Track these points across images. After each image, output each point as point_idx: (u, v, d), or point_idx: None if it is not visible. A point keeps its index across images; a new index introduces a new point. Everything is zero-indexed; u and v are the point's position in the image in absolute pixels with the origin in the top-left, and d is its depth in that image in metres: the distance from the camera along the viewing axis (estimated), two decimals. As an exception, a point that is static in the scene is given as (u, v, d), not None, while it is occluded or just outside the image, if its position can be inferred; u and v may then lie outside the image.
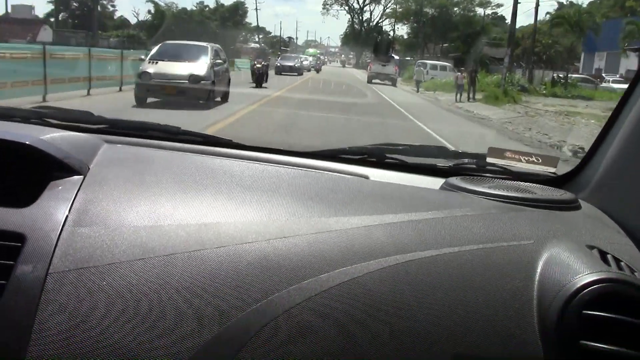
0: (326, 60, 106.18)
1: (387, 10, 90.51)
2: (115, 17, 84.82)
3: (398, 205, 1.31)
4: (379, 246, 1.14)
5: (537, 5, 39.98)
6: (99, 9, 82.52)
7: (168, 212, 1.18)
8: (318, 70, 53.93)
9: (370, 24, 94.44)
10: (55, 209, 1.15)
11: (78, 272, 1.04)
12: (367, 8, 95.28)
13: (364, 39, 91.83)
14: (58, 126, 1.68)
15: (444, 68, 46.21)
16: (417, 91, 34.33)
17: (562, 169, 1.70)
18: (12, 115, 1.76)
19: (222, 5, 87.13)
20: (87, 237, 1.09)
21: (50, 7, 78.50)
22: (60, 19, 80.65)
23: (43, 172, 1.26)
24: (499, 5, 58.67)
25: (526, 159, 1.70)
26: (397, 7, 69.36)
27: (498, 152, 1.71)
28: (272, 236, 1.14)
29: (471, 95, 27.72)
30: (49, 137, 1.35)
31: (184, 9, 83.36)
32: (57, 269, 1.04)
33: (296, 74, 40.63)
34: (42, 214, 1.13)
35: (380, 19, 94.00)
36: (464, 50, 53.80)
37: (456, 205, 1.35)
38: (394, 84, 38.47)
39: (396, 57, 42.73)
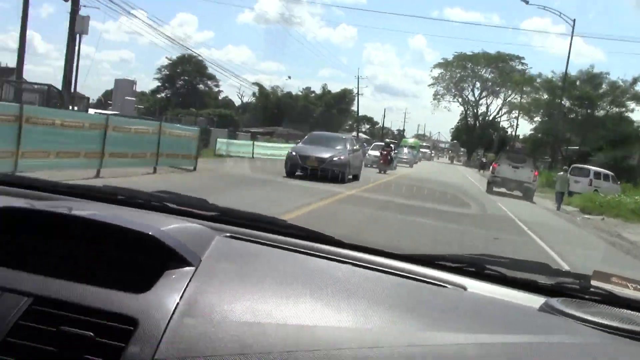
0: (433, 155, 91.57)
1: (508, 104, 75.26)
2: (220, 98, 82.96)
3: (494, 324, 1.28)
4: None
5: None
6: (202, 87, 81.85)
7: (268, 311, 1.19)
8: (412, 164, 47.14)
9: (487, 118, 79.11)
10: (167, 298, 1.20)
11: None
12: (482, 101, 79.95)
13: (477, 135, 77.01)
14: (176, 211, 1.83)
15: (606, 178, 30.42)
16: (559, 209, 23.76)
17: None
18: (135, 198, 1.91)
19: (329, 92, 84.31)
20: (192, 327, 1.13)
21: (157, 83, 79.93)
22: (164, 95, 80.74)
23: (160, 260, 1.33)
24: None
25: (634, 285, 1.57)
26: (523, 99, 53.39)
27: (603, 276, 1.60)
28: (365, 345, 1.11)
29: None
30: (169, 229, 1.44)
31: (289, 93, 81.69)
32: (162, 355, 1.08)
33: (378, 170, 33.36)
34: (155, 301, 1.19)
35: (497, 113, 78.57)
36: (616, 156, 43.22)
37: (555, 330, 1.27)
38: (529, 198, 26.53)
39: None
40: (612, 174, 33.70)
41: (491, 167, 28.36)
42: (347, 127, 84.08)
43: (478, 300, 1.45)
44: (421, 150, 79.29)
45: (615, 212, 21.01)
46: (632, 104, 49.80)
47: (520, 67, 77.22)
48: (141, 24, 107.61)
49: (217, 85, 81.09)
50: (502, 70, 77.47)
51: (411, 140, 78.06)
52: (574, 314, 1.34)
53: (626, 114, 50.17)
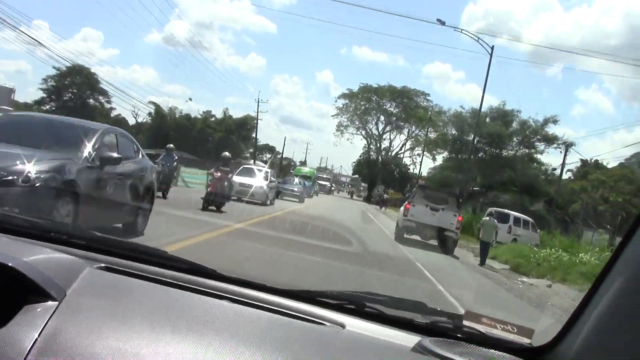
0: (333, 188, 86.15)
1: (412, 139, 70.97)
2: (112, 115, 74.26)
3: None
4: None
5: None
6: (93, 102, 75.16)
7: (134, 350, 1.14)
8: (302, 199, 37.48)
9: (389, 153, 74.48)
10: (23, 335, 1.13)
11: None
12: (386, 135, 75.42)
13: (379, 170, 72.44)
14: (50, 239, 1.73)
15: (526, 224, 25.18)
16: (483, 263, 18.40)
17: (544, 338, 1.57)
18: (8, 223, 1.79)
19: (230, 117, 79.43)
20: None
21: (41, 94, 71.76)
22: (50, 108, 71.21)
23: (22, 294, 1.24)
24: (567, 145, 37.67)
25: (502, 326, 1.63)
26: (429, 134, 48.75)
27: (475, 316, 1.66)
28: None
29: None
30: (33, 259, 1.35)
31: (187, 115, 75.87)
32: None
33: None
34: (9, 339, 1.12)
35: (400, 149, 74.09)
36: (523, 200, 40.89)
37: None
38: (449, 251, 19.91)
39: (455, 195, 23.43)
40: (532, 220, 28.83)
41: (402, 209, 21.11)
42: (247, 155, 77.91)
43: (354, 340, 1.46)
44: (319, 182, 73.54)
45: (561, 276, 15.42)
46: (541, 145, 46.27)
47: (425, 103, 73.65)
48: (42, 35, 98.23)
49: (108, 102, 73.18)
50: (407, 105, 73.40)
51: (306, 169, 66.79)
52: (443, 355, 1.37)
53: (535, 156, 46.61)
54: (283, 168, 79.53)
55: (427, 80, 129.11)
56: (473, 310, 1.73)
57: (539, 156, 46.49)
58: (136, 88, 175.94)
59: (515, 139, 45.52)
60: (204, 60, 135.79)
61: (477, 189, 41.95)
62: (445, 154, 48.96)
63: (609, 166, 47.22)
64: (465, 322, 1.64)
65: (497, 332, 1.61)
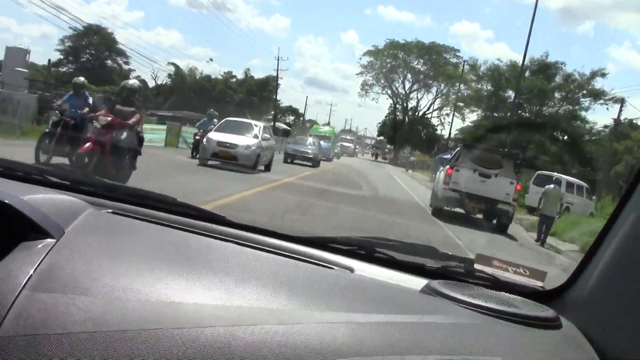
0: (357, 150, 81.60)
1: (441, 97, 65.82)
2: (130, 77, 68.33)
3: (372, 305, 1.25)
4: (339, 345, 1.06)
5: None
6: (110, 64, 71.75)
7: (130, 287, 1.12)
8: (316, 163, 30.35)
9: (417, 113, 69.57)
10: (18, 271, 1.11)
11: (27, 339, 1.00)
12: (413, 95, 70.18)
13: (405, 131, 67.57)
14: (58, 185, 1.70)
15: (580, 190, 20.66)
16: (543, 244, 14.41)
17: (557, 282, 1.54)
18: (16, 170, 1.76)
19: (252, 77, 76.00)
20: (43, 303, 1.05)
21: (58, 55, 68.17)
22: (67, 70, 67.74)
23: (19, 231, 1.24)
24: (616, 100, 32.60)
25: (514, 269, 1.61)
26: (461, 91, 43.69)
27: (486, 259, 1.63)
28: (231, 323, 1.07)
29: None
30: (31, 198, 1.34)
31: (208, 77, 72.70)
32: (6, 333, 1.00)
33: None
34: (4, 274, 1.10)
35: (428, 109, 69.06)
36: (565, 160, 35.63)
37: (430, 310, 1.28)
38: (503, 227, 15.47)
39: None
40: (586, 185, 24.36)
41: (441, 175, 15.87)
42: (269, 117, 73.91)
43: (362, 282, 1.43)
44: (343, 143, 68.40)
45: None
46: (586, 101, 41.18)
47: (454, 60, 68.33)
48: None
49: (127, 63, 69.79)
50: (436, 62, 68.16)
51: (324, 129, 56.71)
52: (452, 296, 1.34)
53: (580, 113, 41.54)
54: (306, 130, 75.45)
55: (455, 40, 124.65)
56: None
57: (583, 113, 41.72)
58: (160, 51, 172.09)
59: (558, 94, 40.72)
60: (228, 22, 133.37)
61: (517, 151, 37.26)
62: (479, 112, 44.02)
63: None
64: (476, 266, 1.62)
65: (509, 275, 1.60)
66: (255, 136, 18.64)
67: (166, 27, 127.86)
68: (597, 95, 40.39)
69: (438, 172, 17.81)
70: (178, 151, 24.97)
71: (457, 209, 15.97)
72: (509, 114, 38.04)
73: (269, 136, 20.31)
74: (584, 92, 40.62)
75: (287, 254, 1.51)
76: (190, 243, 1.43)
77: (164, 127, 28.05)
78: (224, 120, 20.05)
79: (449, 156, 39.87)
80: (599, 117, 72.22)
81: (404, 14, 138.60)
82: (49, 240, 1.21)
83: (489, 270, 1.59)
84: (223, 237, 1.54)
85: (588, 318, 1.34)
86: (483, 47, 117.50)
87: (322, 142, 38.40)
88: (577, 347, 1.25)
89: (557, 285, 1.53)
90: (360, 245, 1.68)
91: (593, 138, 40.06)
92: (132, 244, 1.34)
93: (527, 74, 39.46)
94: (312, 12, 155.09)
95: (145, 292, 1.10)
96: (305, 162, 28.82)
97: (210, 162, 17.41)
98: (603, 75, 40.44)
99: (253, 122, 20.85)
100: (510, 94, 39.66)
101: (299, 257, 1.51)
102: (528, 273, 1.59)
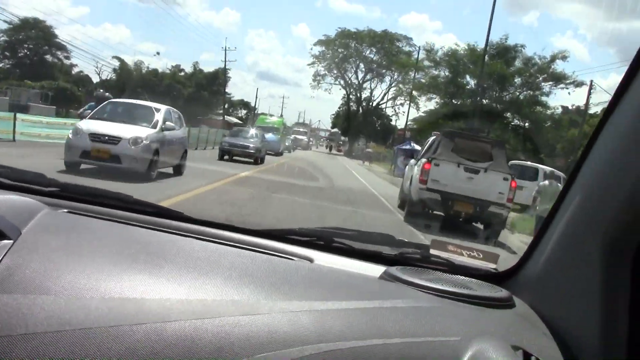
0: (312, 143, 78.81)
1: (394, 88, 63.43)
2: (73, 72, 67.22)
3: (333, 293, 1.27)
4: (303, 333, 1.07)
5: None
6: (50, 59, 67.02)
7: (92, 285, 1.10)
8: (260, 159, 24.97)
9: (370, 103, 66.95)
10: None
11: None
12: (367, 85, 67.55)
13: (360, 122, 65.00)
14: (9, 187, 1.66)
15: (558, 180, 18.04)
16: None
17: (510, 263, 1.60)
18: None
19: (201, 71, 72.26)
20: (4, 304, 1.03)
21: None
22: (3, 66, 65.44)
23: None
24: (577, 84, 30.68)
25: (468, 253, 1.67)
26: (416, 78, 41.04)
27: (441, 245, 1.70)
28: (195, 316, 1.06)
29: None
30: None
31: (154, 70, 69.93)
32: None
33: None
34: None
35: (382, 98, 66.65)
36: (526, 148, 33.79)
37: (390, 296, 1.30)
38: (494, 234, 12.02)
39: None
40: (563, 175, 22.04)
41: (417, 170, 12.59)
42: (219, 111, 70.55)
43: (321, 271, 1.45)
44: (296, 136, 64.44)
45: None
46: (547, 86, 38.85)
47: (407, 48, 65.91)
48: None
49: (67, 57, 66.00)
50: (388, 51, 65.61)
51: (272, 119, 50.50)
52: (410, 281, 1.38)
53: (541, 98, 39.13)
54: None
55: (404, 32, 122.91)
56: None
57: (544, 99, 39.44)
58: (107, 48, 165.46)
59: (518, 79, 38.41)
60: (177, 16, 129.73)
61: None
62: (437, 100, 41.18)
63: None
64: (432, 251, 1.66)
65: (464, 259, 1.64)
66: (154, 125, 12.30)
67: (113, 22, 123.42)
68: (559, 78, 38.26)
69: (408, 167, 14.80)
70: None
71: (436, 212, 12.63)
72: (468, 100, 35.78)
73: (175, 125, 13.49)
74: (545, 75, 38.49)
75: (248, 247, 1.51)
76: (150, 239, 1.41)
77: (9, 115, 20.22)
78: (105, 102, 13.37)
79: (408, 147, 37.38)
80: (562, 102, 70.75)
81: (353, 6, 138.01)
82: (5, 241, 1.17)
83: (444, 255, 1.64)
84: (183, 233, 1.53)
85: (539, 296, 1.39)
86: (432, 38, 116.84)
87: (269, 135, 34.40)
88: (529, 323, 1.30)
89: (509, 267, 1.58)
90: (319, 236, 1.70)
91: (554, 125, 38.04)
92: (92, 242, 1.31)
93: (485, 58, 37.23)
94: (262, 6, 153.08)
95: (108, 289, 1.08)
96: (245, 158, 23.53)
97: (82, 166, 11.60)
98: (564, 58, 38.42)
99: (152, 105, 13.67)
100: (469, 80, 37.33)
101: (259, 249, 1.51)
102: (482, 256, 1.64)
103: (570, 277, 1.27)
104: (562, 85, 38.13)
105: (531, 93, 38.38)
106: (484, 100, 37.72)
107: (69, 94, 53.92)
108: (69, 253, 1.20)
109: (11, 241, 1.18)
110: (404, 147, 35.45)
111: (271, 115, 47.41)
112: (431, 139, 13.84)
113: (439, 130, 15.47)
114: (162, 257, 1.27)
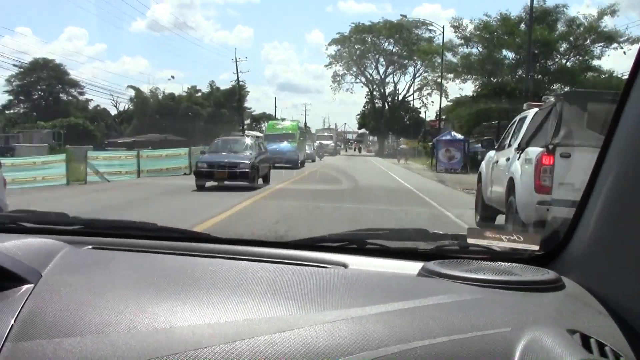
0: (340, 147, 74.37)
1: (420, 78, 58.50)
2: (90, 107, 65.36)
3: (371, 296, 1.20)
4: (342, 344, 1.01)
5: None
6: (65, 98, 65.11)
7: (118, 319, 1.06)
8: (254, 179, 16.46)
9: (396, 98, 62.08)
10: None
11: None
12: (389, 79, 62.77)
13: (387, 119, 60.36)
14: (32, 230, 1.64)
15: None
16: None
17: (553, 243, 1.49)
18: None
19: (218, 89, 70.71)
20: (29, 351, 1.00)
21: (7, 97, 62.62)
22: (18, 111, 63.97)
23: None
24: (633, 41, 25.31)
25: (507, 237, 1.55)
26: (445, 62, 35.99)
27: (478, 233, 1.57)
28: (227, 339, 1.01)
29: None
30: (2, 246, 1.28)
31: (171, 95, 67.80)
32: None
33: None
34: None
35: (407, 91, 61.84)
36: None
37: (430, 292, 1.21)
38: None
39: None
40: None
41: (532, 165, 6.60)
42: (243, 127, 66.70)
43: (357, 276, 1.37)
44: (321, 142, 58.83)
45: None
46: (598, 48, 32.94)
47: (427, 34, 60.79)
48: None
49: (81, 93, 64.02)
50: (408, 40, 60.58)
51: (285, 124, 38.51)
52: (450, 274, 1.31)
53: (593, 63, 33.22)
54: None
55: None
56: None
57: (596, 62, 33.55)
58: (128, 79, 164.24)
59: (564, 44, 32.69)
60: (192, 40, 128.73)
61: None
62: (472, 81, 35.78)
63: None
64: (469, 240, 1.56)
65: (504, 244, 1.54)
66: None
67: (131, 54, 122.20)
68: (610, 37, 32.35)
69: (486, 163, 9.77)
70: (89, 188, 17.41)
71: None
72: (509, 76, 30.83)
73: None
74: (594, 36, 32.70)
75: (277, 260, 1.47)
76: (175, 265, 1.38)
77: (62, 157, 19.96)
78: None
79: (448, 137, 32.55)
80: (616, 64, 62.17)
81: (363, 5, 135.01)
82: (27, 286, 1.14)
83: (483, 242, 1.54)
84: (209, 254, 1.49)
85: (589, 274, 1.30)
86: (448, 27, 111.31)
87: (283, 144, 29.00)
88: (583, 304, 1.21)
89: (553, 246, 1.48)
90: (351, 240, 1.64)
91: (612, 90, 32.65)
92: (114, 275, 1.28)
93: (522, 26, 32.15)
94: (273, 18, 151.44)
95: (134, 321, 1.04)
96: (236, 182, 15.83)
97: None
98: (613, 13, 32.32)
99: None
100: (507, 54, 32.23)
101: (289, 261, 1.47)
102: (522, 239, 1.52)
103: (620, 249, 1.16)
104: (614, 45, 32.36)
105: (580, 59, 32.90)
106: (527, 73, 32.70)
107: (82, 130, 51.97)
108: (92, 290, 1.16)
109: (32, 285, 1.14)
110: (444, 137, 30.65)
111: (283, 120, 36.10)
112: (529, 112, 8.31)
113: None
114: (189, 282, 1.22)
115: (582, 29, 32.43)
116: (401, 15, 64.13)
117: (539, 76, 31.53)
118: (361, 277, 1.34)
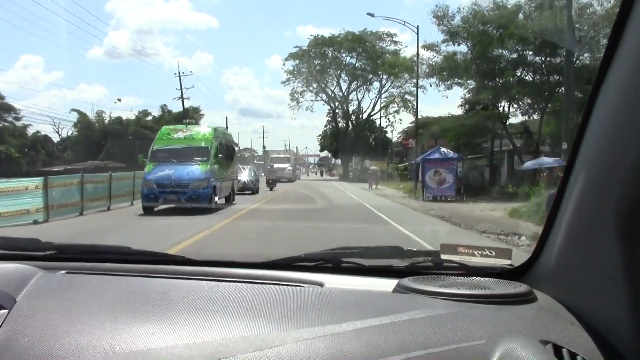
0: (301, 171, 66.16)
1: (385, 95, 50.98)
2: (29, 134, 57.25)
3: (346, 314, 1.19)
4: None
5: None
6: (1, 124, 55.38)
7: (94, 343, 1.05)
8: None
9: (360, 116, 54.39)
10: None
11: None
12: (353, 96, 55.09)
13: (351, 139, 52.82)
14: (4, 257, 1.59)
15: None
16: None
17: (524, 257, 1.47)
18: None
19: (169, 112, 62.99)
20: None
21: None
22: None
23: None
24: None
25: (480, 252, 1.55)
26: (422, 60, 28.16)
27: (451, 249, 1.57)
28: (205, 359, 1.01)
29: None
30: None
31: (118, 118, 61.12)
32: None
33: None
34: None
35: (372, 109, 54.50)
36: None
37: (406, 308, 1.21)
38: None
39: None
40: None
41: None
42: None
43: (333, 294, 1.36)
44: (275, 165, 45.03)
45: None
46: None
47: (392, 47, 53.53)
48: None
49: (17, 118, 54.62)
50: (372, 53, 53.01)
51: (194, 130, 18.76)
52: (425, 289, 1.31)
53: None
54: (242, 160, 59.36)
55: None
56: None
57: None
58: (86, 106, 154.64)
59: (575, 34, 25.07)
60: (151, 67, 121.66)
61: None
62: (458, 85, 28.02)
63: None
64: (443, 256, 1.56)
65: (477, 259, 1.54)
66: None
67: (89, 82, 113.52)
68: None
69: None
70: None
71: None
72: (508, 78, 23.33)
73: None
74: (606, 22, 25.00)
75: (254, 280, 1.44)
76: (151, 288, 1.35)
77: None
78: None
79: (437, 156, 24.67)
80: None
81: (321, 30, 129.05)
82: (1, 311, 1.12)
83: (456, 258, 1.54)
84: (185, 276, 1.45)
85: (560, 285, 1.29)
86: (404, 52, 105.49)
87: (185, 167, 16.33)
88: (555, 315, 1.21)
89: (525, 260, 1.48)
90: (326, 259, 1.61)
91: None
92: (90, 299, 1.24)
93: (520, 17, 24.68)
94: (232, 45, 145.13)
95: (111, 344, 1.03)
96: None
97: None
98: None
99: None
100: (502, 51, 24.68)
101: (267, 281, 1.44)
102: (494, 254, 1.53)
103: (589, 260, 1.15)
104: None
105: (594, 56, 25.44)
106: (527, 75, 25.12)
107: (4, 157, 44.06)
108: (67, 314, 1.14)
109: (6, 310, 1.12)
110: (432, 156, 22.70)
111: (186, 125, 19.17)
112: None
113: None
114: (166, 304, 1.19)
115: (596, 15, 25.10)
116: (367, 13, 56.36)
117: (546, 76, 24.11)
118: (337, 295, 1.32)
